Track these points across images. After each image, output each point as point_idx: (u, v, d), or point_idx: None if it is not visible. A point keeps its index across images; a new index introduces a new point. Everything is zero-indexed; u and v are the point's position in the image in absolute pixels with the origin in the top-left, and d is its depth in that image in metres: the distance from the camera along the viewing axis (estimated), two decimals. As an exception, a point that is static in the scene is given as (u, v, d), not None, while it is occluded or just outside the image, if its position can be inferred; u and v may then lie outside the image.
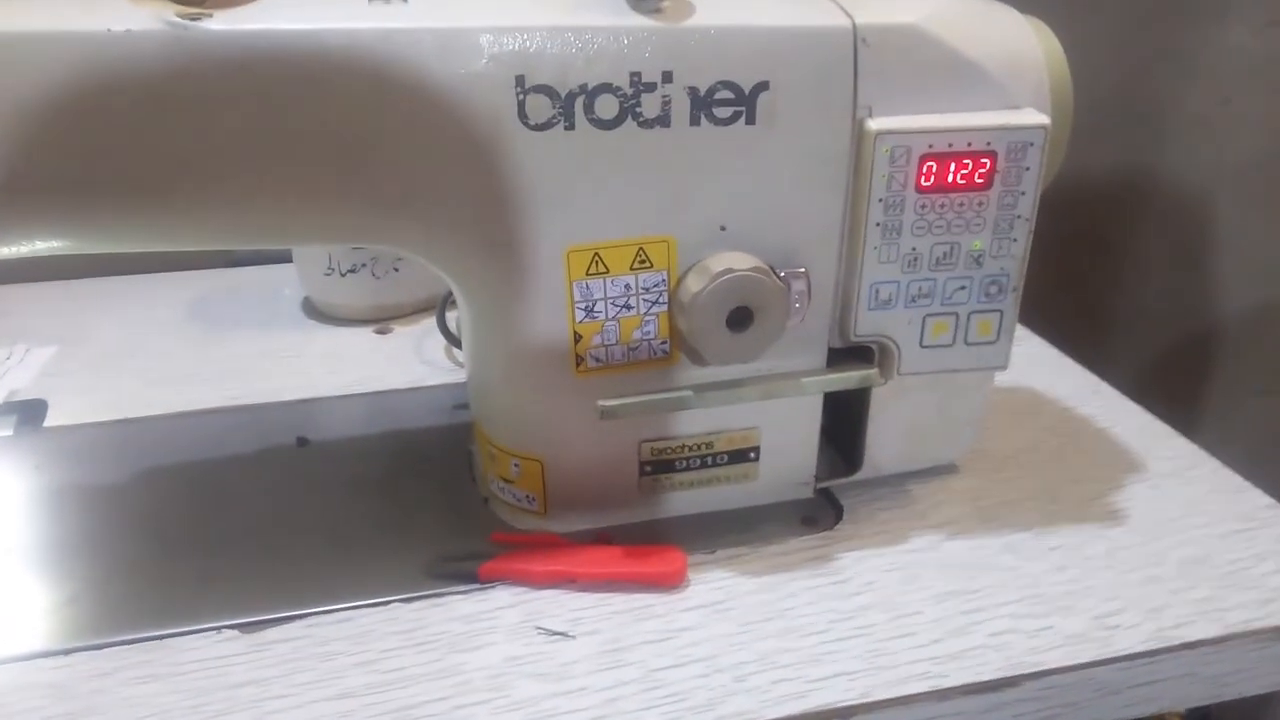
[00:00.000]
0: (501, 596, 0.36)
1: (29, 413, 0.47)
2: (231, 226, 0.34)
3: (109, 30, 0.30)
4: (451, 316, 0.53)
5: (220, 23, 0.31)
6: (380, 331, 0.56)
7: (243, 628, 0.34)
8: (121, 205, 0.33)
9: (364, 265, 0.55)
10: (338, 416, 0.47)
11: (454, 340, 0.52)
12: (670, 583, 0.36)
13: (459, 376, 0.51)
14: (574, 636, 0.34)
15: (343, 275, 0.55)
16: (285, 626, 0.34)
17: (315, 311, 0.58)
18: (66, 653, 0.33)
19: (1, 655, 0.33)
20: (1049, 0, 0.40)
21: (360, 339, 0.56)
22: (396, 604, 0.35)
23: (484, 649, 0.33)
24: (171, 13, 0.31)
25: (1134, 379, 0.55)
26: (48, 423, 0.47)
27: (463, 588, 0.36)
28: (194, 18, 0.31)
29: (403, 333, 0.56)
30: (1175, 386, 0.81)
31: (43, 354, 0.52)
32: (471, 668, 0.33)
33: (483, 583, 0.37)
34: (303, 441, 0.45)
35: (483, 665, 0.33)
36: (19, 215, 0.32)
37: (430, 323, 0.57)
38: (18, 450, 0.45)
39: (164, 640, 0.34)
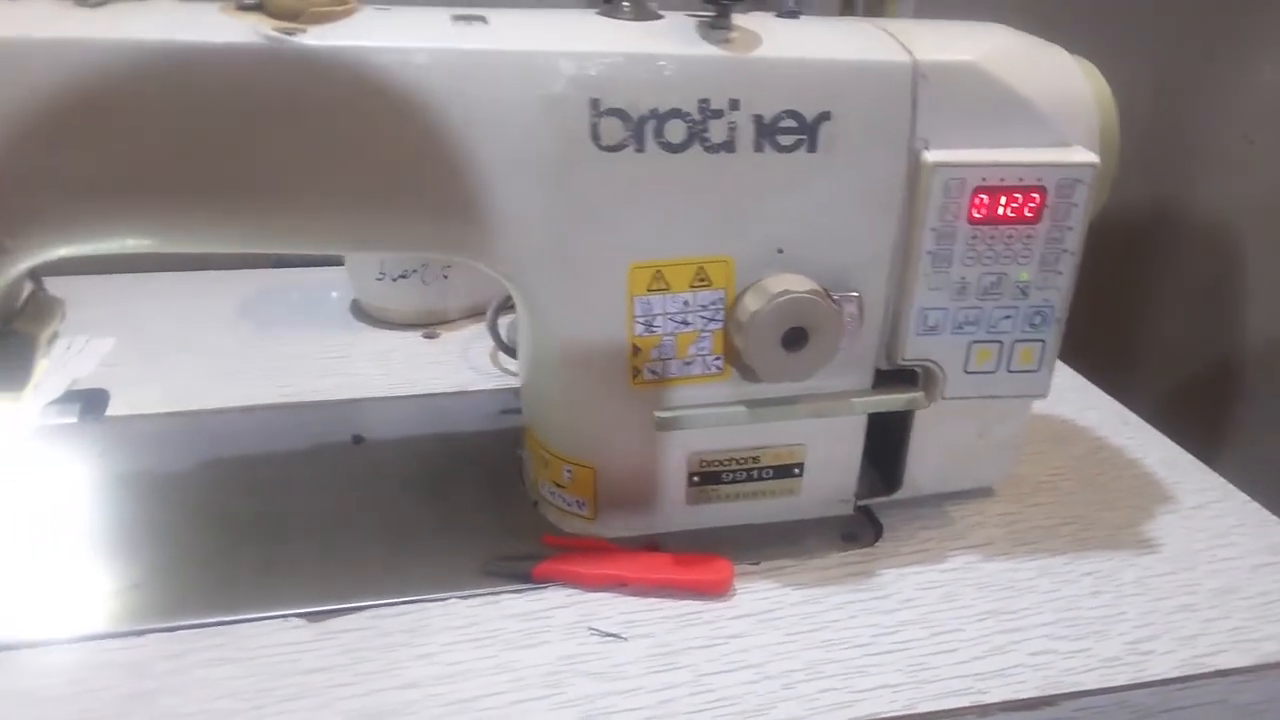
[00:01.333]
0: (554, 597, 0.37)
1: (92, 401, 0.49)
2: (309, 232, 0.36)
3: (209, 41, 0.32)
4: (501, 323, 0.54)
5: (313, 38, 0.33)
6: (428, 336, 0.58)
7: (309, 616, 0.36)
8: (209, 208, 0.34)
9: (414, 271, 0.56)
10: (390, 417, 0.49)
11: (505, 347, 0.53)
12: (718, 591, 0.38)
13: (505, 382, 0.53)
14: (626, 638, 0.35)
15: (394, 280, 0.56)
16: (349, 617, 0.36)
17: (363, 314, 0.59)
18: (139, 634, 0.35)
19: (76, 634, 0.35)
20: (1078, 37, 0.41)
21: (408, 342, 0.57)
22: (454, 600, 0.37)
23: (539, 647, 0.35)
24: (268, 27, 0.33)
25: (1158, 410, 0.56)
26: (109, 412, 0.48)
27: (517, 587, 0.37)
28: (289, 32, 0.33)
29: (449, 338, 0.58)
30: (1199, 419, 0.82)
31: (101, 345, 0.54)
32: (528, 664, 0.34)
33: (536, 583, 0.38)
34: (358, 439, 0.46)
35: (539, 662, 0.34)
36: (114, 213, 0.34)
37: (476, 328, 0.58)
38: (82, 438, 0.46)
39: (232, 626, 0.35)
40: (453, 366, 0.54)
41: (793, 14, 0.39)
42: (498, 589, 0.37)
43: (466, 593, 0.37)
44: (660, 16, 0.37)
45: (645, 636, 0.36)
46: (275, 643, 0.34)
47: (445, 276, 0.57)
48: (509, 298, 0.54)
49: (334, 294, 0.62)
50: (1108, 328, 0.90)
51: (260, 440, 0.46)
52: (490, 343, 0.56)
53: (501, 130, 0.34)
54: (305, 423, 0.48)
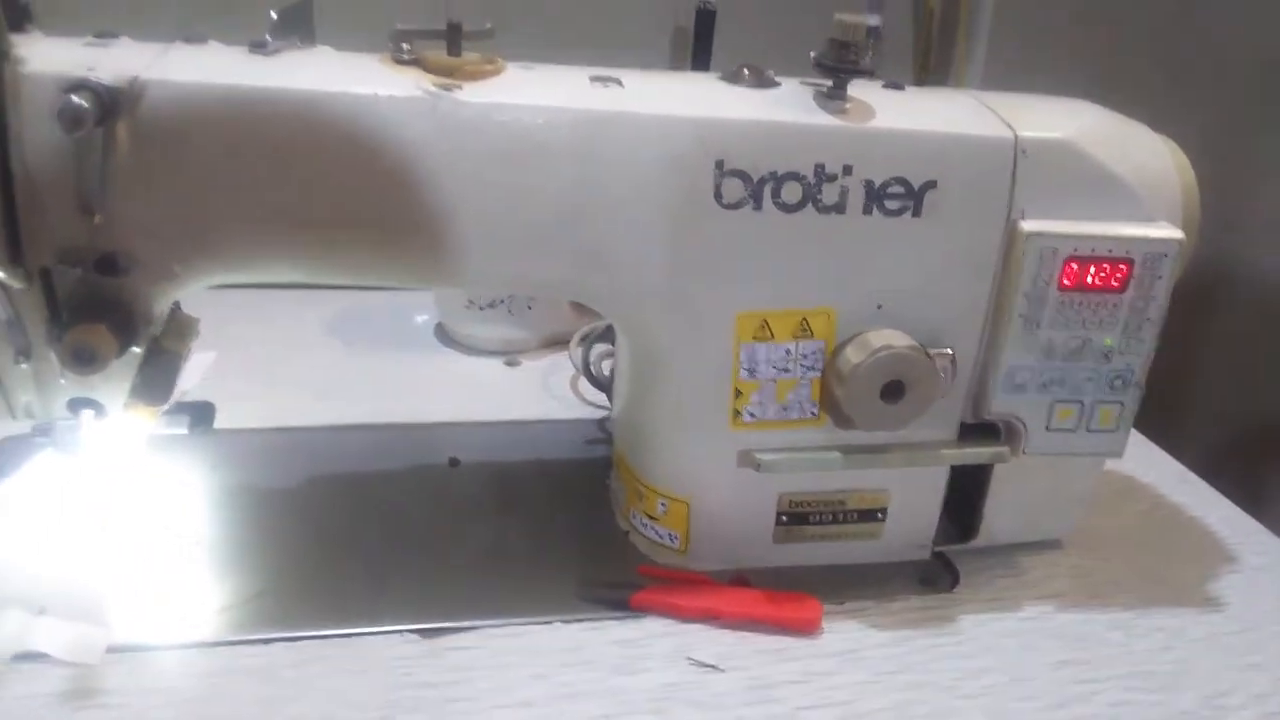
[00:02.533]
0: (652, 626, 0.39)
1: (200, 414, 0.51)
2: (458, 271, 0.38)
3: (376, 94, 0.35)
4: (578, 354, 0.56)
5: (469, 94, 0.36)
6: (509, 364, 0.60)
7: (422, 633, 0.38)
8: (365, 246, 0.37)
9: (502, 301, 0.59)
10: (482, 442, 0.51)
11: (595, 380, 0.55)
12: (807, 629, 0.39)
13: (587, 411, 0.55)
14: (724, 670, 0.37)
15: (481, 309, 0.59)
16: (460, 635, 0.38)
17: (447, 339, 0.62)
18: (266, 642, 0.37)
19: (207, 639, 0.37)
20: (1145, 102, 0.43)
21: (490, 369, 0.59)
22: (558, 623, 0.39)
23: (642, 674, 0.37)
24: (428, 82, 0.36)
25: (1201, 469, 0.58)
26: (216, 425, 0.51)
27: (616, 614, 0.39)
28: (447, 88, 0.36)
29: (530, 366, 0.60)
30: (1245, 479, 0.83)
31: (204, 359, 0.56)
32: (634, 690, 0.36)
33: (632, 610, 0.40)
34: (454, 463, 0.49)
35: (644, 689, 0.36)
36: (275, 248, 0.36)
37: (554, 358, 0.61)
38: (193, 449, 0.48)
39: (351, 638, 0.37)
40: (535, 394, 0.57)
41: (896, 85, 0.42)
42: (597, 615, 0.39)
43: (569, 617, 0.39)
44: (778, 84, 0.39)
45: (740, 669, 0.37)
46: (390, 656, 0.36)
47: (529, 308, 0.60)
48: (594, 332, 0.57)
49: (419, 318, 0.64)
50: (1153, 385, 0.91)
51: (363, 460, 0.49)
52: (569, 372, 0.59)
53: (634, 185, 0.36)
54: (404, 444, 0.50)
